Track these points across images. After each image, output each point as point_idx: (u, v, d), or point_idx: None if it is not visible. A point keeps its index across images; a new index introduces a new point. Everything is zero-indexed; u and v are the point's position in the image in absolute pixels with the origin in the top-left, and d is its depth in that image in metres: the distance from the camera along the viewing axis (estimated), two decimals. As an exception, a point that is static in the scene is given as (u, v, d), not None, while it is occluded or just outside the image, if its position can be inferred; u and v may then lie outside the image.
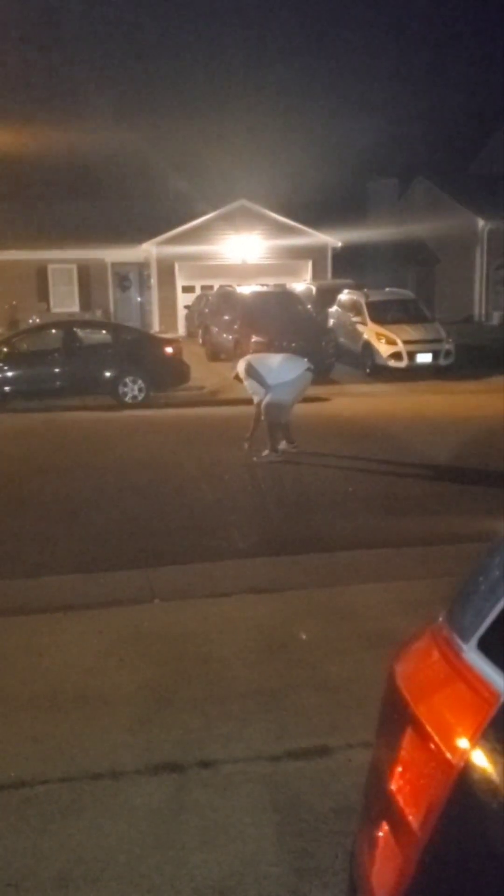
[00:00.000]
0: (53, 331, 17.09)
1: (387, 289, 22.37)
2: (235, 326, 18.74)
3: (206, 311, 23.44)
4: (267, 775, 3.53)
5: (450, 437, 11.39)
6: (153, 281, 31.23)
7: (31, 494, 8.91)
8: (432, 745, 1.49)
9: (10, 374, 15.73)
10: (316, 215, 31.69)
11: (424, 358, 18.34)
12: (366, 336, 18.97)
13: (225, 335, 19.72)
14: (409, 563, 6.31)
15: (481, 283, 31.81)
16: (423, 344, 18.41)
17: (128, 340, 17.12)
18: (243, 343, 17.06)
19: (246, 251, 30.54)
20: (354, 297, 20.48)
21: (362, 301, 19.87)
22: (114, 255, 31.11)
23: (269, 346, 14.65)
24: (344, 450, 10.75)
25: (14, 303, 29.32)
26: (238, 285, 22.68)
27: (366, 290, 21.01)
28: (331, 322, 20.90)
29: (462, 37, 74.63)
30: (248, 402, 10.68)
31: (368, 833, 1.65)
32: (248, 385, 10.24)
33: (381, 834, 1.59)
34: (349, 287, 22.13)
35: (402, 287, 25.56)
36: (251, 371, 10.12)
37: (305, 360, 10.56)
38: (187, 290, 31.07)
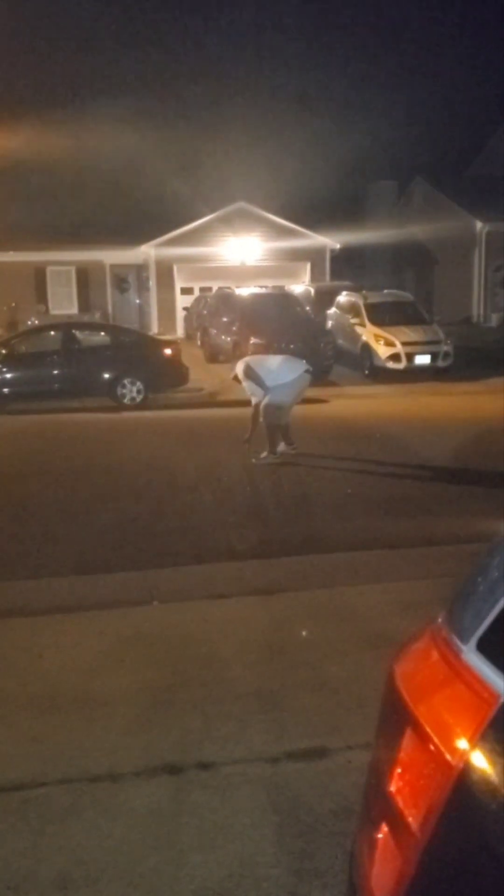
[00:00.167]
0: (52, 332, 17.07)
1: (385, 290, 22.36)
2: (234, 328, 18.74)
3: (205, 312, 23.44)
4: (266, 777, 3.53)
5: (448, 439, 11.39)
6: (152, 283, 31.24)
7: (30, 496, 8.91)
8: (432, 746, 1.49)
9: (8, 375, 15.72)
10: (314, 217, 31.71)
11: (423, 359, 18.34)
12: (364, 338, 18.98)
13: (223, 337, 19.72)
14: (408, 564, 6.31)
15: (480, 285, 31.83)
16: (422, 345, 18.41)
17: (126, 342, 17.12)
18: (242, 345, 17.07)
19: (244, 253, 30.57)
20: (353, 299, 20.48)
21: (361, 303, 19.87)
22: (112, 256, 31.13)
23: (268, 348, 14.64)
24: (342, 451, 10.75)
25: (13, 304, 29.33)
26: (237, 287, 22.73)
27: (364, 291, 21.01)
28: (329, 324, 20.90)
29: (460, 39, 74.76)
30: (247, 403, 10.68)
31: (368, 834, 1.65)
32: (247, 386, 10.24)
33: (380, 835, 1.59)
34: (348, 289, 22.12)
35: (400, 289, 25.56)
36: (250, 373, 10.12)
37: (304, 361, 10.55)
38: (186, 291, 31.08)
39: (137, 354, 16.29)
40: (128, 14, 73.30)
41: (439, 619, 1.79)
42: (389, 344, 18.34)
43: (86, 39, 66.24)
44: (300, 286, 26.04)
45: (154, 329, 29.60)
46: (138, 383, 15.78)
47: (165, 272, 31.05)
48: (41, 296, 30.91)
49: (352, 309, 20.17)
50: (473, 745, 1.43)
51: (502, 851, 1.33)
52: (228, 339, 19.10)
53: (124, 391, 15.74)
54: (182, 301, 30.94)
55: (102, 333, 17.94)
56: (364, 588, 5.73)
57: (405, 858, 1.49)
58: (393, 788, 1.56)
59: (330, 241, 31.44)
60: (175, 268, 31.04)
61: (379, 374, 18.43)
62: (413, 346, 18.28)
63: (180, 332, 29.58)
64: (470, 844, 1.40)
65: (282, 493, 8.89)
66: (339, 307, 21.02)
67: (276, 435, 10.25)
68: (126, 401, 15.70)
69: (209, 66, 73.28)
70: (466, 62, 77.74)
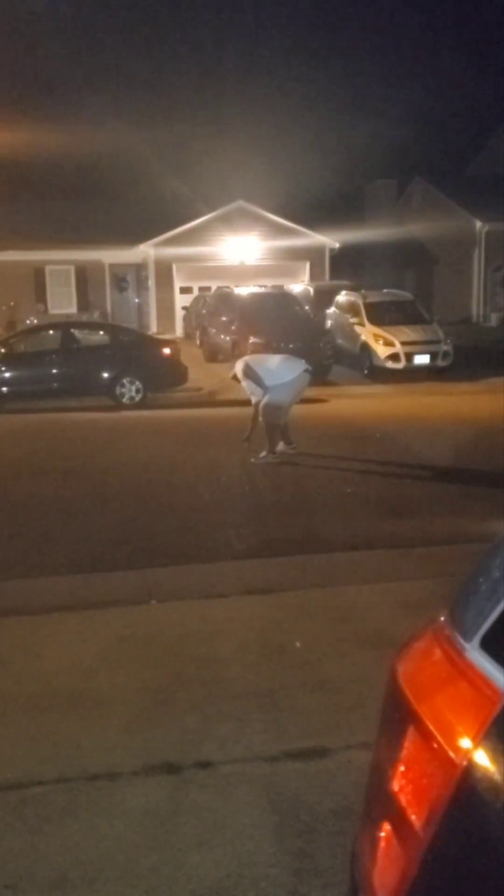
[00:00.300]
0: (51, 332, 17.07)
1: (384, 290, 22.36)
2: (233, 327, 18.73)
3: (204, 312, 23.44)
4: (265, 776, 3.51)
5: (448, 439, 11.38)
6: (151, 282, 31.23)
7: (28, 495, 8.89)
8: (435, 745, 1.48)
9: (7, 375, 15.71)
10: (314, 216, 31.73)
11: (422, 359, 18.33)
12: (364, 337, 18.96)
13: (223, 336, 19.72)
14: (407, 563, 6.30)
15: (479, 285, 31.84)
16: (421, 345, 18.40)
17: (125, 342, 17.10)
18: (241, 344, 17.07)
19: (244, 252, 30.56)
20: (352, 299, 20.47)
21: (360, 302, 19.86)
22: (111, 256, 31.13)
23: (267, 348, 14.64)
24: (341, 451, 10.73)
25: (11, 304, 29.32)
26: (236, 286, 22.73)
27: (363, 291, 21.01)
28: (328, 323, 20.90)
29: (460, 39, 74.80)
30: (246, 403, 10.67)
31: (370, 833, 1.63)
32: (246, 386, 10.23)
33: (382, 834, 1.58)
34: (347, 288, 22.12)
35: (399, 288, 25.56)
36: (249, 372, 10.11)
37: (303, 361, 10.53)
38: (185, 291, 31.08)
39: (136, 354, 16.27)
40: (127, 13, 73.32)
41: (441, 618, 1.77)
42: (389, 343, 18.33)
43: (85, 39, 66.26)
44: (299, 285, 26.04)
45: (153, 328, 29.60)
46: (137, 383, 15.76)
47: (164, 271, 31.04)
48: (40, 295, 30.90)
49: (351, 308, 20.15)
50: (477, 744, 1.41)
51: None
52: (227, 338, 19.09)
53: (123, 391, 15.72)
54: (181, 300, 30.94)
55: (101, 333, 17.93)
56: (363, 588, 5.72)
57: (408, 857, 1.47)
58: (395, 787, 1.55)
59: (329, 240, 31.44)
60: (174, 267, 31.03)
61: (378, 374, 18.42)
62: (412, 346, 18.27)
63: (179, 331, 29.58)
64: (473, 843, 1.38)
65: (281, 492, 8.88)
66: (339, 307, 21.01)
67: (276, 434, 10.24)
68: (125, 400, 15.68)
69: (209, 65, 73.34)
70: (466, 61, 77.84)
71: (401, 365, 18.19)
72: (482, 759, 1.40)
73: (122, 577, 6.16)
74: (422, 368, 18.34)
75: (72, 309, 30.77)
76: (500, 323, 30.17)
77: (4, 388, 15.62)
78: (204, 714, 4.00)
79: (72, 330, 16.86)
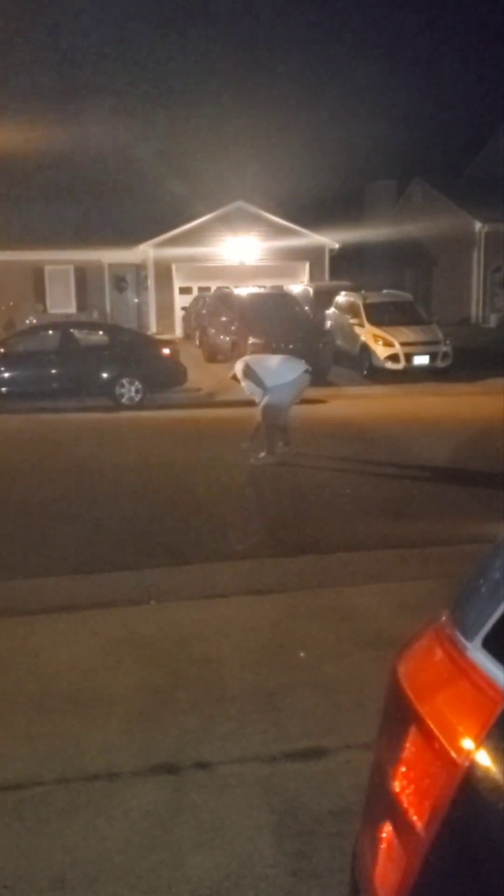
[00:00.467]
0: (50, 332, 17.07)
1: (384, 290, 22.34)
2: (233, 328, 18.72)
3: (204, 312, 23.42)
4: (264, 777, 3.50)
5: (447, 439, 11.37)
6: (150, 282, 31.22)
7: (27, 495, 8.88)
8: (436, 745, 1.47)
9: (6, 375, 15.70)
10: (313, 217, 31.73)
11: (422, 360, 18.33)
12: (363, 338, 18.96)
13: (222, 337, 19.70)
14: (407, 564, 6.29)
15: (478, 285, 31.85)
16: (421, 346, 18.40)
17: (125, 342, 17.09)
18: (241, 344, 17.06)
19: (243, 253, 30.55)
20: (352, 299, 20.46)
21: (359, 303, 19.85)
22: (111, 256, 31.12)
23: (267, 348, 14.63)
24: (341, 452, 10.73)
25: (11, 304, 29.31)
26: (235, 287, 22.71)
27: (363, 291, 20.99)
28: (328, 324, 20.89)
29: (460, 39, 74.83)
30: (245, 403, 10.67)
31: (371, 834, 1.63)
32: (246, 386, 10.22)
33: (384, 834, 1.57)
34: (346, 289, 22.11)
35: (399, 289, 25.56)
36: (249, 373, 10.09)
37: (303, 361, 10.52)
38: (184, 291, 31.06)
39: (136, 354, 16.27)
40: (127, 13, 73.30)
41: (443, 618, 1.76)
42: (388, 344, 18.32)
43: (85, 39, 66.27)
44: (299, 286, 26.03)
45: (152, 329, 29.59)
46: (136, 383, 15.75)
47: (164, 272, 31.03)
48: (39, 295, 30.89)
49: (350, 309, 20.15)
50: (479, 744, 1.40)
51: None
52: (227, 338, 19.08)
53: (122, 391, 15.71)
54: (180, 301, 30.92)
55: (101, 333, 17.91)
56: (362, 588, 5.72)
57: (409, 858, 1.47)
58: (397, 788, 1.54)
59: (329, 240, 31.44)
60: (174, 267, 31.02)
61: (377, 375, 18.41)
62: (412, 347, 18.26)
63: (179, 331, 29.56)
64: (475, 844, 1.37)
65: (280, 493, 8.87)
66: (338, 307, 21.00)
67: (275, 435, 10.23)
68: (124, 400, 15.67)
69: (208, 65, 73.30)
70: (465, 62, 77.86)
71: (400, 366, 18.18)
72: (484, 759, 1.39)
73: (121, 578, 6.15)
74: (421, 369, 18.34)
75: (71, 309, 30.75)
76: (500, 324, 30.18)
77: (3, 389, 15.62)
78: (203, 714, 4.00)
79: (71, 330, 16.86)
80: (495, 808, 1.34)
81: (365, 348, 18.86)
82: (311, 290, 24.16)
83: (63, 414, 14.93)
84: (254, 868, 2.97)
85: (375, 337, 18.58)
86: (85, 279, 31.41)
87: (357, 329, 19.31)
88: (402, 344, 18.21)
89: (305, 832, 3.14)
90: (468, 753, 1.41)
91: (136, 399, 15.72)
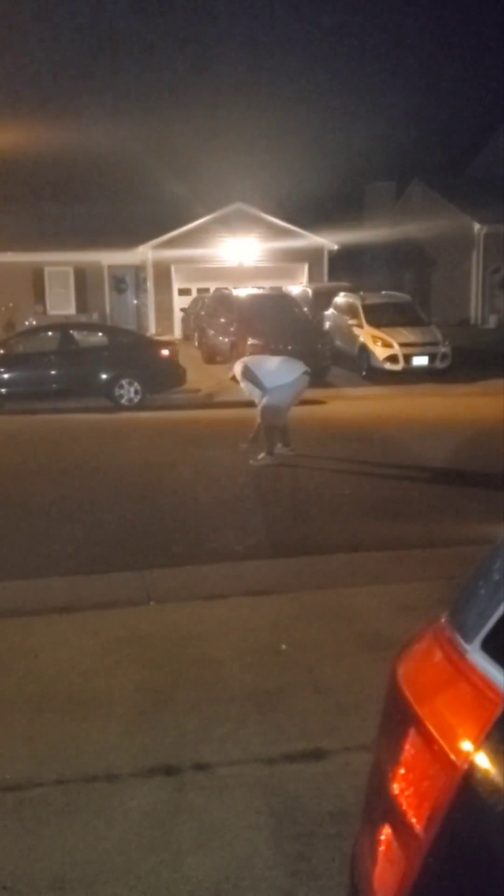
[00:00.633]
0: (49, 333, 17.08)
1: (383, 292, 22.35)
2: (232, 329, 18.72)
3: (203, 313, 23.42)
4: (263, 778, 3.50)
5: (446, 440, 11.37)
6: (149, 284, 31.21)
7: (26, 496, 8.88)
8: (436, 747, 1.47)
9: (6, 376, 15.70)
10: (312, 218, 31.75)
11: (421, 361, 18.32)
12: (362, 339, 18.96)
13: (221, 338, 19.70)
14: (406, 565, 6.29)
15: (477, 286, 31.85)
16: (420, 347, 18.40)
17: (124, 343, 17.09)
18: (240, 346, 17.05)
19: (242, 254, 30.55)
20: (351, 300, 20.46)
21: (358, 304, 19.85)
22: (110, 257, 31.13)
23: (266, 349, 14.62)
24: (340, 453, 10.73)
25: (10, 305, 29.31)
26: (234, 288, 22.69)
27: (362, 292, 21.00)
28: (327, 325, 20.89)
29: (459, 40, 74.88)
30: (244, 404, 10.66)
31: (370, 835, 1.63)
32: (245, 387, 10.22)
33: (383, 836, 1.57)
34: (345, 290, 22.10)
35: (398, 290, 25.56)
36: (248, 373, 10.09)
37: (302, 363, 10.52)
38: (183, 292, 31.06)
39: (135, 355, 16.27)
40: (126, 14, 73.33)
41: (442, 619, 1.76)
42: (387, 345, 18.32)
43: (85, 40, 66.27)
44: (298, 287, 26.02)
45: (152, 330, 29.57)
46: (136, 384, 15.76)
47: (163, 273, 31.02)
48: (39, 296, 30.90)
49: (349, 310, 20.15)
50: (478, 746, 1.40)
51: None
52: (226, 340, 19.08)
53: (122, 392, 15.71)
54: (179, 302, 30.92)
55: (100, 334, 17.93)
56: (361, 589, 5.71)
57: (408, 860, 1.47)
58: (396, 790, 1.54)
59: (328, 241, 31.44)
60: (173, 268, 31.01)
61: (376, 376, 18.41)
62: (411, 348, 18.26)
63: (178, 332, 29.56)
64: (474, 846, 1.38)
65: (279, 494, 8.87)
66: (337, 308, 21.00)
67: (274, 436, 10.23)
68: (123, 401, 15.67)
69: (208, 66, 73.33)
70: (465, 62, 77.86)
71: (399, 366, 18.18)
72: (483, 761, 1.39)
73: (120, 578, 6.15)
74: (420, 370, 18.33)
75: (70, 310, 30.76)
76: (499, 325, 30.18)
77: (3, 390, 15.61)
78: (202, 715, 4.00)
79: (70, 331, 16.86)
80: (494, 810, 1.34)
81: (364, 349, 18.86)
82: (309, 292, 24.16)
83: (62, 415, 14.93)
84: (253, 869, 2.96)
85: (374, 338, 18.59)
86: (84, 280, 31.42)
87: (356, 330, 19.31)
88: (401, 345, 18.21)
89: (304, 834, 3.14)
90: (467, 755, 1.41)
91: (136, 400, 15.72)
